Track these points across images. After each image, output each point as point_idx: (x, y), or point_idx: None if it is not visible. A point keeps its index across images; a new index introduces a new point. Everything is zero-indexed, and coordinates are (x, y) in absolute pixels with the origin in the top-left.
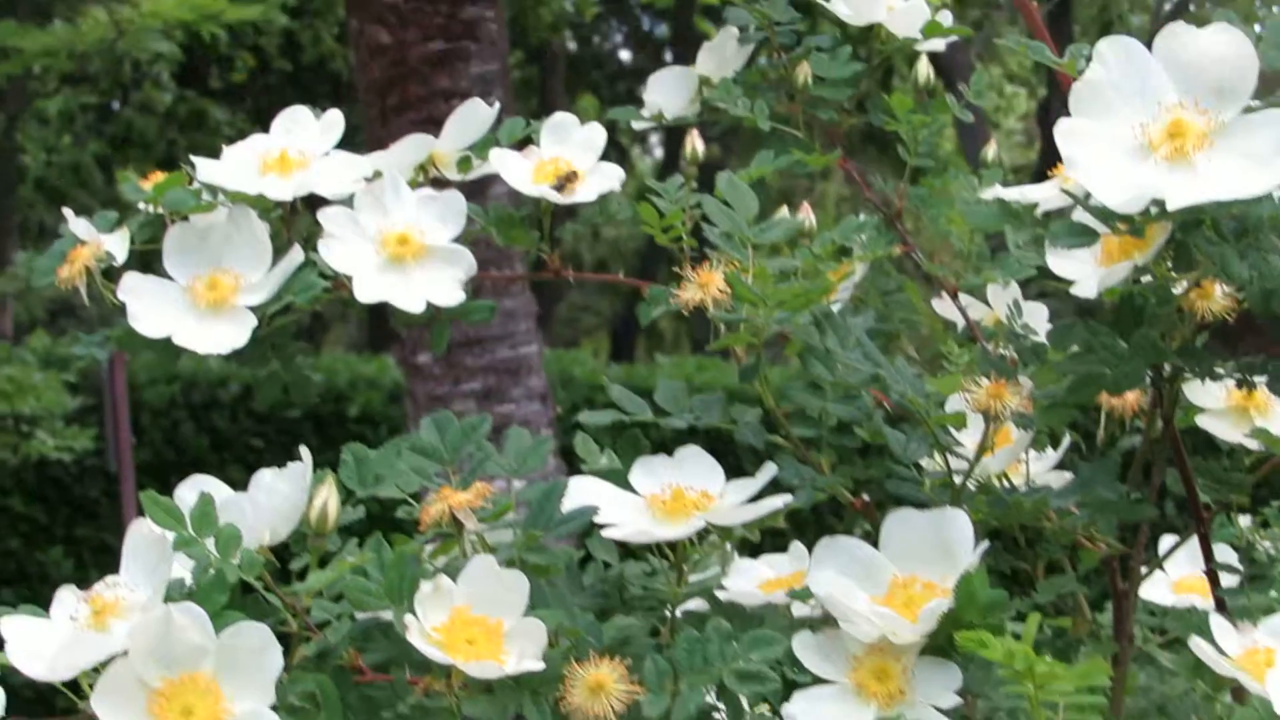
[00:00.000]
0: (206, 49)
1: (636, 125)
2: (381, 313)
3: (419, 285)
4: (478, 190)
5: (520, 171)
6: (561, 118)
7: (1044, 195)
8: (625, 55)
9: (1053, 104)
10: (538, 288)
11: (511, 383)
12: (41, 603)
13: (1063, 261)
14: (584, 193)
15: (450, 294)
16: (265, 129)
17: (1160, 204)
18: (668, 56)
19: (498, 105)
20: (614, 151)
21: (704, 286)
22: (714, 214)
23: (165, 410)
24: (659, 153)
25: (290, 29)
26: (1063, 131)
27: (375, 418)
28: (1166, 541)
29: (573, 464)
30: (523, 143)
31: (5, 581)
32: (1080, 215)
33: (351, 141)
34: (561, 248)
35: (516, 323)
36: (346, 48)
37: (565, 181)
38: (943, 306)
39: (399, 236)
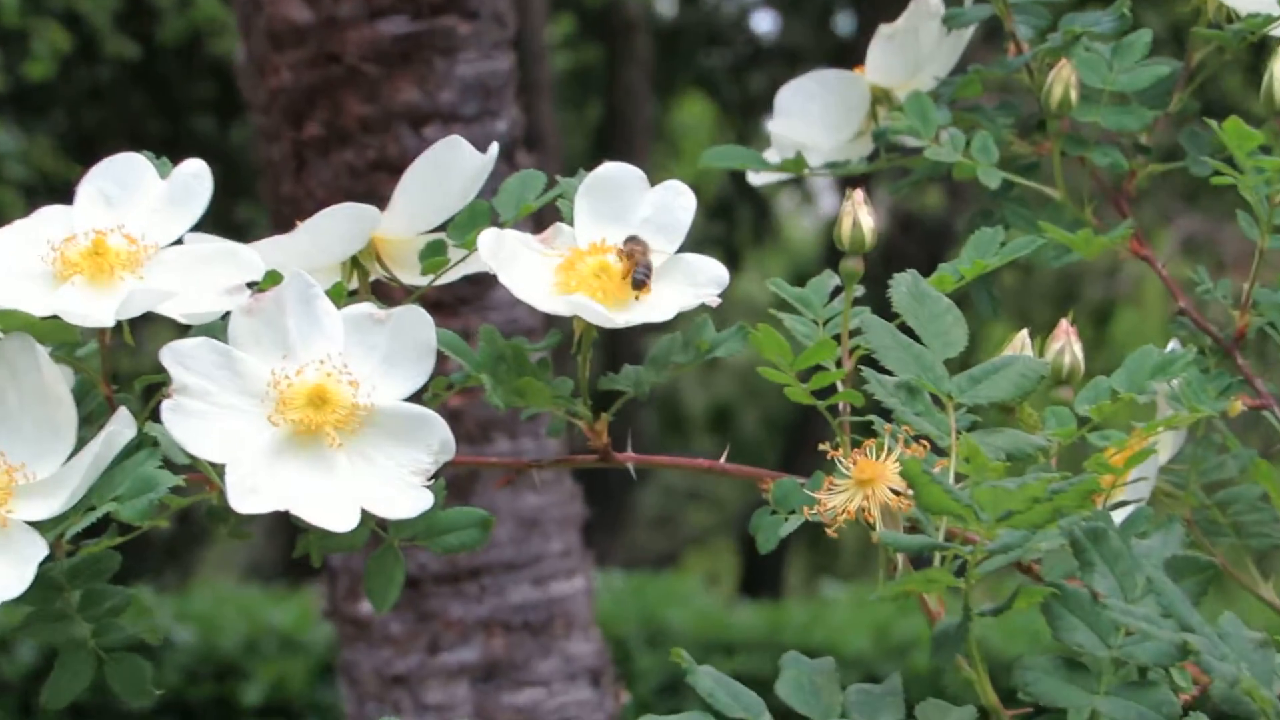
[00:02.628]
0: None
1: (755, 179)
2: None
3: (350, 482)
4: (464, 301)
5: (535, 273)
6: (611, 174)
7: None
8: (764, 23)
9: None
10: (586, 473)
11: (537, 649)
12: None
13: None
14: (652, 308)
15: (407, 498)
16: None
17: None
18: (842, 25)
19: (495, 148)
20: (749, 207)
21: (866, 485)
22: (884, 350)
23: None
24: (829, 204)
25: None
26: None
27: (292, 708)
28: None
29: None
30: (542, 218)
31: None
32: None
33: (227, 216)
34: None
35: (544, 538)
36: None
37: (636, 281)
38: None
39: (313, 393)
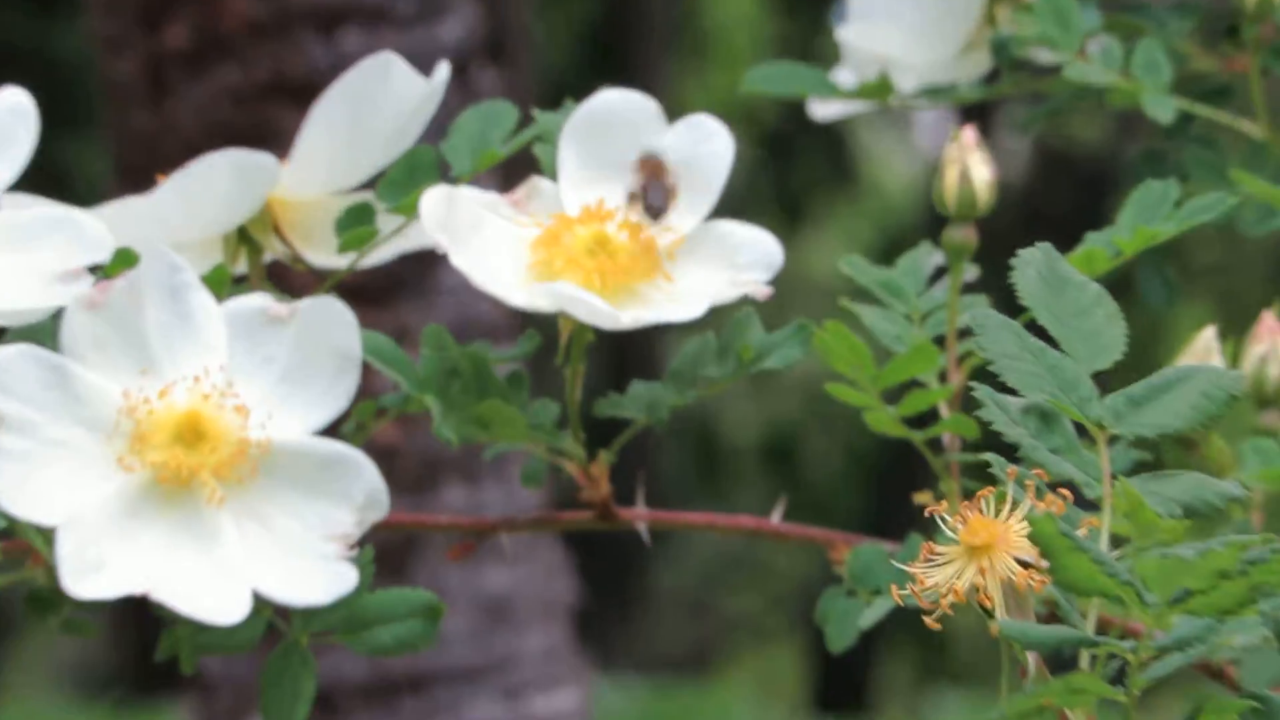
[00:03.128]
0: None
1: (820, 110)
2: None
3: (238, 553)
4: (401, 290)
5: (503, 249)
6: (611, 106)
7: None
8: None
9: None
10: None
11: None
12: None
13: None
14: (673, 300)
15: (319, 576)
16: None
17: None
18: None
19: (445, 68)
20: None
21: (982, 553)
22: (1007, 360)
23: None
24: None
25: None
26: None
27: None
28: None
29: None
30: (512, 169)
31: None
32: None
33: (50, 163)
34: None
35: (516, 632)
36: None
37: (651, 208)
38: None
39: (183, 424)
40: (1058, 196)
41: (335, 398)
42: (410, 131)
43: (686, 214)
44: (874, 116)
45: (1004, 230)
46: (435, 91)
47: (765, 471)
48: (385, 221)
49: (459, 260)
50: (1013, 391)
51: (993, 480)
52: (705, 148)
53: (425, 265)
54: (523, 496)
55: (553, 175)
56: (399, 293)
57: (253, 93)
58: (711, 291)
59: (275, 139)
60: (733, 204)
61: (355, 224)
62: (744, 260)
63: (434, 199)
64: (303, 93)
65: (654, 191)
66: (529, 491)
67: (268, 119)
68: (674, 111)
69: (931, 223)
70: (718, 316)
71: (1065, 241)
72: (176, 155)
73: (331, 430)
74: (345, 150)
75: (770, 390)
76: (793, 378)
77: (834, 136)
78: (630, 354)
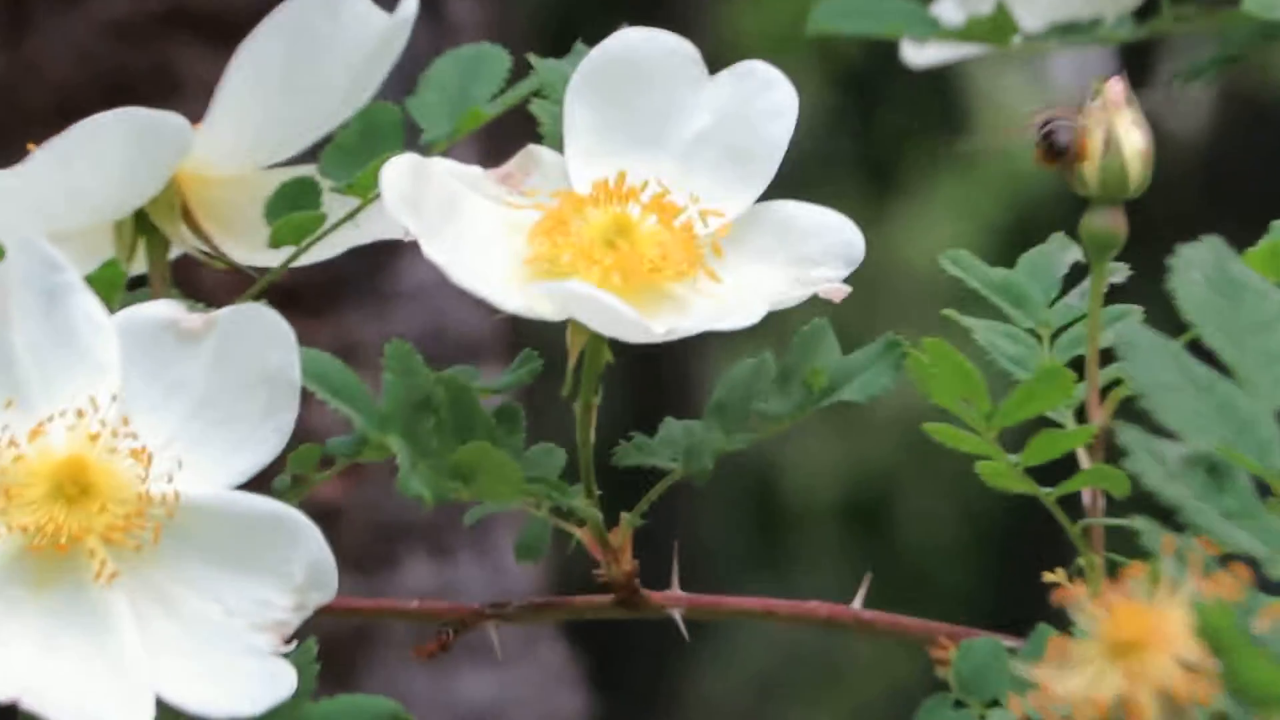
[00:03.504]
0: None
1: (915, 55)
2: None
3: (135, 648)
4: (351, 293)
5: (490, 238)
6: (634, 50)
7: None
8: None
9: None
10: (602, 634)
11: None
12: None
13: None
14: (719, 304)
15: (244, 679)
16: None
17: None
18: None
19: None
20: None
21: (1132, 653)
22: (1163, 393)
23: None
24: None
25: None
26: None
27: None
28: None
29: None
30: (501, 135)
31: None
32: None
33: None
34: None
35: None
36: None
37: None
38: None
39: (63, 474)
40: (1246, 167)
41: (265, 439)
42: (366, 83)
43: (736, 191)
44: (993, 55)
45: (1170, 216)
46: (400, 28)
47: (844, 540)
48: (333, 204)
49: (433, 251)
50: (1172, 435)
51: (1146, 554)
52: (758, 104)
53: (381, 262)
54: (513, 575)
55: (556, 143)
56: (347, 298)
57: (144, 26)
58: (769, 293)
59: (178, 91)
60: (800, 171)
61: (292, 207)
62: (812, 252)
63: (399, 171)
64: (212, 26)
65: (1061, 130)
66: (522, 569)
67: (166, 62)
68: (717, 51)
69: (1068, 205)
70: (778, 329)
71: (1255, 230)
72: (44, 112)
73: (260, 483)
74: (280, 108)
75: (851, 430)
76: (881, 413)
77: (938, 77)
78: (661, 380)
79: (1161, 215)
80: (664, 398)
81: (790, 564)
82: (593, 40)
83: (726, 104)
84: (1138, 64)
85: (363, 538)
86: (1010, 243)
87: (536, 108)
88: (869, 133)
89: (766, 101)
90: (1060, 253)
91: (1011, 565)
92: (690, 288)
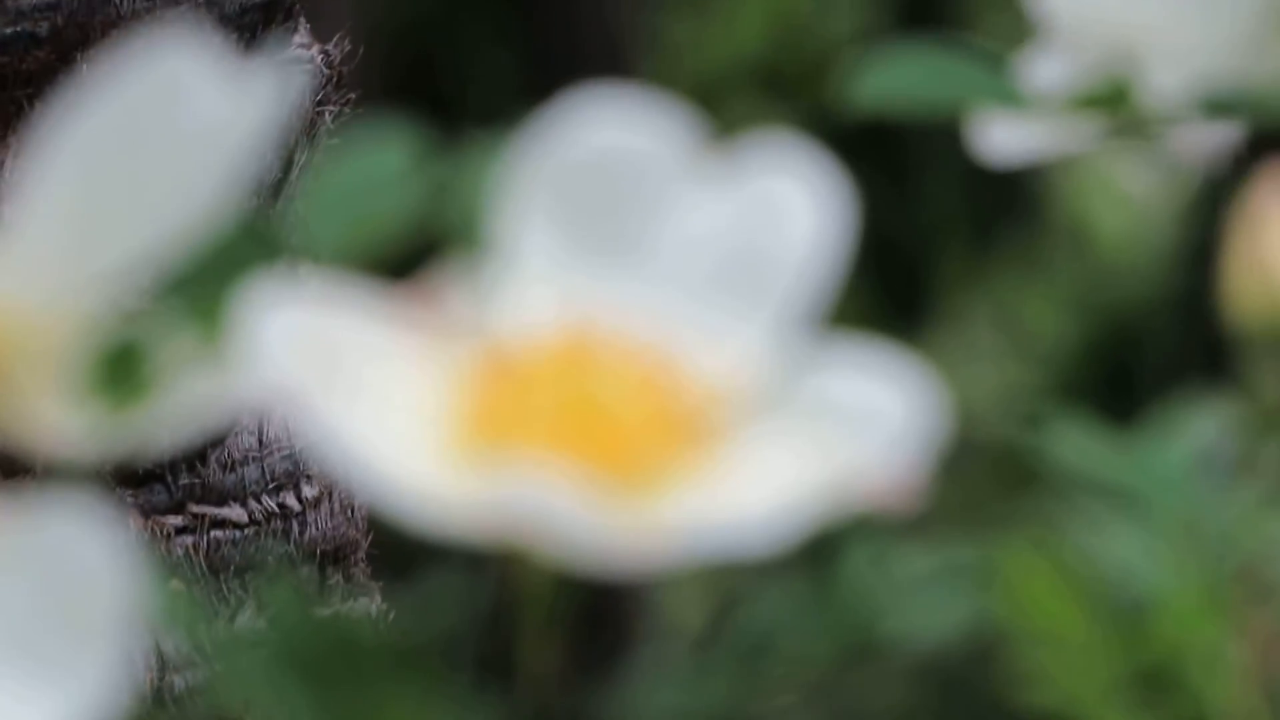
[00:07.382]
0: None
1: (1005, 146)
2: None
3: None
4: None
5: (401, 390)
6: (608, 146)
7: None
8: None
9: None
10: None
11: None
12: None
13: None
14: (718, 505)
15: None
16: None
17: None
18: None
19: (275, 78)
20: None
21: None
22: None
23: None
24: None
25: None
26: None
27: None
28: None
29: None
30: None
31: None
32: None
33: None
34: None
35: None
36: None
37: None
38: None
39: None
40: None
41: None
42: (215, 178)
43: (742, 338)
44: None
45: None
46: (262, 122)
47: None
48: (172, 355)
49: (326, 417)
50: None
51: None
52: (770, 237)
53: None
54: None
55: (484, 257)
56: (191, 490)
57: None
58: (788, 479)
59: None
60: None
61: (124, 374)
62: (854, 421)
63: (277, 305)
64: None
65: None
66: None
67: None
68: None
69: (1188, 298)
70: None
71: None
72: None
73: None
74: (103, 211)
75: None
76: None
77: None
78: (633, 595)
79: None
80: (640, 622)
81: None
82: (517, 103)
83: (728, 229)
84: None
85: None
86: (1096, 358)
87: (460, 211)
88: (909, 212)
89: (780, 236)
90: (1203, 422)
91: None
92: (684, 469)
